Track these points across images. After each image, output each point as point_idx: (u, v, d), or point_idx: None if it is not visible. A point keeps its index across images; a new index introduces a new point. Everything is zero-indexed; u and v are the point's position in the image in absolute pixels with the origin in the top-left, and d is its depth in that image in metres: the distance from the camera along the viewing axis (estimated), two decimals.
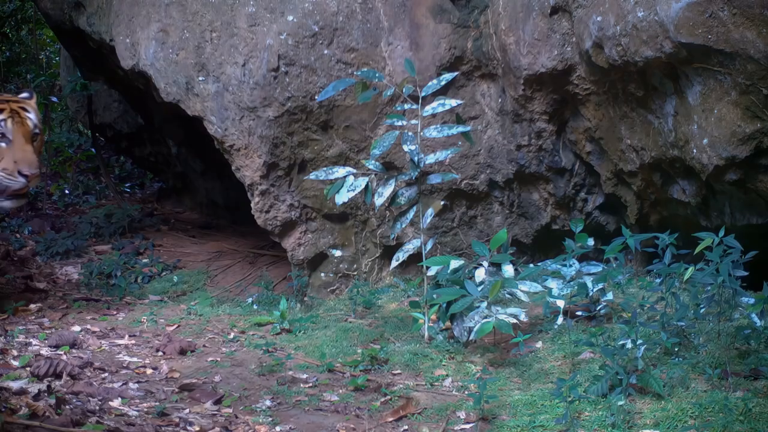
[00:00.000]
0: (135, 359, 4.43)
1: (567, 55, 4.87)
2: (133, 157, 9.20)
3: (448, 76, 4.73)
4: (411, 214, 4.66)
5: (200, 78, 5.50)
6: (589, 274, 4.44)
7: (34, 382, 3.67)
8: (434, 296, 4.42)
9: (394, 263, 4.76)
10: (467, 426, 3.61)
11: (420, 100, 4.63)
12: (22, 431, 3.04)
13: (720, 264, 3.76)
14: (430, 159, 4.64)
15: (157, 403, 3.71)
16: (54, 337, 4.56)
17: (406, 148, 4.55)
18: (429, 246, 4.68)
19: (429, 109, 4.64)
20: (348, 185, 4.60)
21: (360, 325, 4.90)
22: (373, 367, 4.30)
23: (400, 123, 4.67)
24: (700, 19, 4.00)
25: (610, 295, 4.46)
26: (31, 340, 4.59)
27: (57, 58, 11.90)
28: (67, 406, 3.41)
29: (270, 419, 3.66)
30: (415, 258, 4.95)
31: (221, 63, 5.43)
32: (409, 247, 4.68)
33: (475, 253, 4.51)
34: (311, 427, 3.62)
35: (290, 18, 5.30)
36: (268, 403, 3.86)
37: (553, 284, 4.43)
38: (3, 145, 4.81)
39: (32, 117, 4.98)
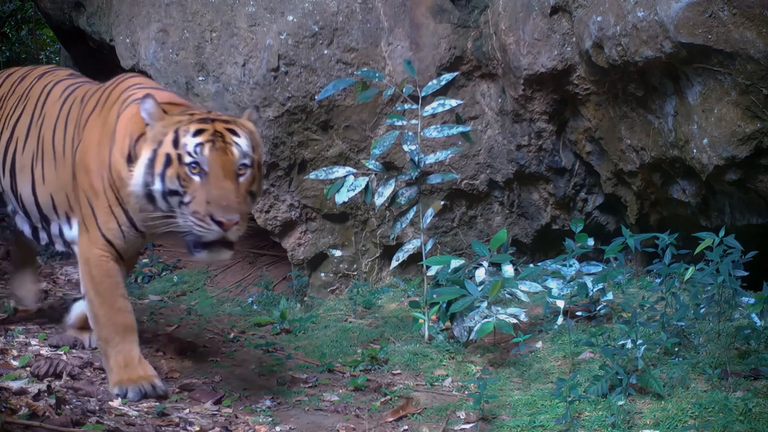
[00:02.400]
0: None
1: (567, 55, 4.87)
2: None
3: (448, 76, 4.73)
4: (411, 214, 4.65)
5: (200, 78, 5.50)
6: (589, 274, 4.44)
7: (34, 382, 3.66)
8: (434, 296, 4.41)
9: (394, 263, 4.76)
10: (467, 426, 3.61)
11: (420, 100, 4.63)
12: (22, 431, 3.04)
13: (720, 264, 3.76)
14: (430, 159, 4.64)
15: (157, 403, 3.70)
16: (54, 337, 4.56)
17: (406, 148, 4.55)
18: (429, 246, 4.67)
19: (429, 109, 4.64)
20: (348, 185, 4.60)
21: (360, 325, 4.90)
22: (373, 367, 4.30)
23: (400, 123, 4.67)
24: (700, 19, 4.01)
25: (610, 295, 4.46)
26: (31, 340, 4.58)
27: (57, 58, 11.88)
28: (67, 406, 3.41)
29: (270, 419, 3.66)
30: (415, 258, 4.95)
31: (221, 63, 5.43)
32: (409, 247, 4.67)
33: (475, 253, 4.51)
34: (311, 427, 3.62)
35: (290, 18, 5.30)
36: (268, 403, 3.86)
37: (553, 284, 4.43)
38: (197, 179, 3.52)
39: (242, 143, 3.62)
